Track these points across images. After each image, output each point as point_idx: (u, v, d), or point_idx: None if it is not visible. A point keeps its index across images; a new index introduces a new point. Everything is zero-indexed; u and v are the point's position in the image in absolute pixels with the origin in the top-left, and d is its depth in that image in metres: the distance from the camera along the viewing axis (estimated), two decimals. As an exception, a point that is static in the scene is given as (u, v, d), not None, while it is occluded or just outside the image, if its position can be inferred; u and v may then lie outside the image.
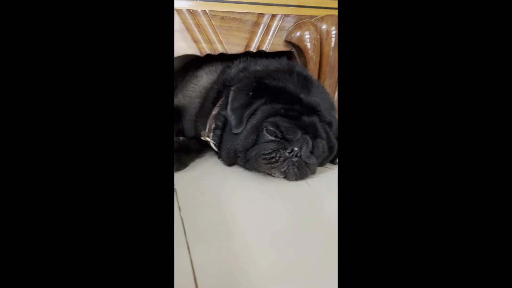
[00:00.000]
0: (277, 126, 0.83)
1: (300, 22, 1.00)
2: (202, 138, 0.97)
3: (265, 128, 0.84)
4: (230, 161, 0.94)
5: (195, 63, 1.17)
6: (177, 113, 1.07)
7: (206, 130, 0.97)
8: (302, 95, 0.87)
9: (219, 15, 0.90)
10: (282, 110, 0.83)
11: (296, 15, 0.99)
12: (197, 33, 0.89)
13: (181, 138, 0.97)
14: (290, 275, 0.56)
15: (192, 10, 0.87)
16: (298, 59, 1.06)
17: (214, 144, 0.95)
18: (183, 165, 0.93)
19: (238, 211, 0.74)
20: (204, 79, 1.07)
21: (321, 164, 0.97)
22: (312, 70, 1.03)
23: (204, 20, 0.89)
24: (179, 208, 0.75)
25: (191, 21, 0.87)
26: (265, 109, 0.84)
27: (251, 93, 0.85)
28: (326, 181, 0.90)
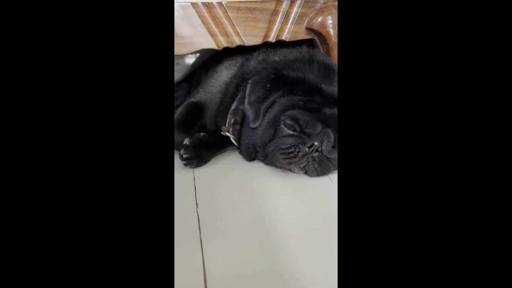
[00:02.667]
0: (295, 120, 0.78)
1: (322, 7, 0.94)
2: (222, 133, 0.96)
3: (283, 122, 0.80)
4: (250, 156, 0.92)
5: (216, 57, 1.16)
6: (199, 109, 1.07)
7: (226, 125, 0.96)
8: (323, 85, 0.81)
9: (235, 6, 0.88)
10: (301, 102, 0.79)
11: (317, -1, 0.93)
12: (213, 26, 0.88)
13: (202, 134, 0.97)
14: (303, 275, 0.53)
15: (207, 3, 0.85)
16: (320, 47, 1.00)
17: (234, 139, 0.94)
18: (204, 161, 0.93)
19: (255, 209, 0.72)
20: (224, 73, 1.05)
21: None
22: (336, 58, 0.96)
23: (220, 12, 0.87)
24: (197, 204, 0.75)
25: (206, 14, 0.86)
26: (283, 101, 0.80)
27: (268, 86, 0.82)
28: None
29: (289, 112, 0.79)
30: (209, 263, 0.57)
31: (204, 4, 0.85)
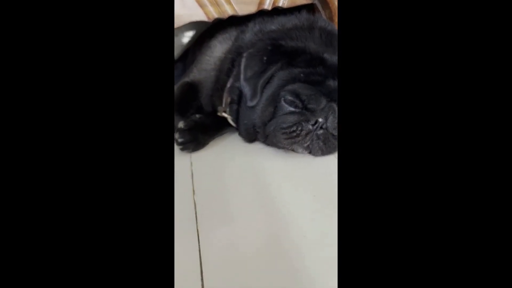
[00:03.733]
0: (296, 95, 0.71)
1: (324, -35, 0.83)
2: (218, 114, 0.89)
3: (283, 98, 0.73)
4: (249, 138, 0.86)
5: (210, 32, 1.07)
6: (194, 89, 1.00)
7: (223, 105, 0.89)
8: (326, 55, 0.73)
9: (224, -30, 0.78)
10: (302, 75, 0.71)
11: (317, -44, 0.82)
12: (202, -5, 0.79)
13: (197, 115, 0.90)
14: (306, 261, 0.49)
15: (192, -32, 0.76)
16: (322, 12, 0.90)
17: (232, 120, 0.87)
18: (201, 145, 0.87)
19: (256, 194, 0.67)
20: (218, 48, 0.97)
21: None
22: (340, 23, 0.86)
23: (207, -22, 0.78)
24: (193, 191, 0.70)
25: (192, -18, 0.77)
26: (282, 75, 0.73)
27: (265, 58, 0.74)
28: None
29: (289, 87, 0.72)
30: (206, 252, 0.53)
31: (189, -31, 0.76)
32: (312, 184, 0.70)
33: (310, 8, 0.91)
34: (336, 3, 0.85)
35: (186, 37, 1.20)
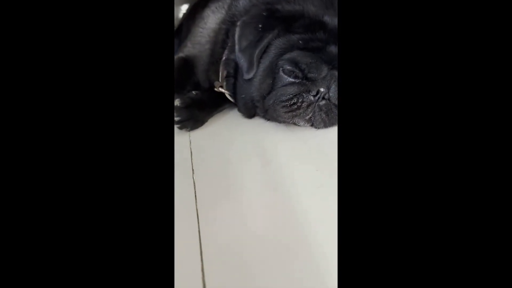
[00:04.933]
0: (295, 64, 0.66)
1: None
2: (215, 89, 0.85)
3: (281, 68, 0.68)
4: (249, 113, 0.82)
5: (202, 2, 1.00)
6: (188, 64, 0.95)
7: (219, 80, 0.85)
8: (326, 18, 0.67)
9: None
10: (301, 41, 0.66)
11: None
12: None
13: (194, 92, 0.87)
14: (309, 239, 0.48)
15: None
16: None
17: (229, 95, 0.83)
18: (200, 122, 0.84)
19: (257, 172, 0.64)
20: (211, 19, 0.91)
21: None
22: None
23: None
24: (193, 170, 0.68)
25: None
26: (279, 43, 0.68)
27: (260, 26, 0.68)
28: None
29: (287, 56, 0.67)
30: (205, 233, 0.51)
31: None
32: (314, 158, 0.67)
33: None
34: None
35: (181, 11, 1.14)
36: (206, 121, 0.86)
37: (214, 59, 0.87)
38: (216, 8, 0.91)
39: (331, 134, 0.73)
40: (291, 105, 0.69)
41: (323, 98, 0.69)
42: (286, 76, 0.69)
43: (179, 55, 0.97)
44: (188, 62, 0.96)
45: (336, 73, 0.67)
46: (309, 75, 0.67)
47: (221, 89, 0.84)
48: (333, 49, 0.67)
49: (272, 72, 0.69)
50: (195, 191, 0.62)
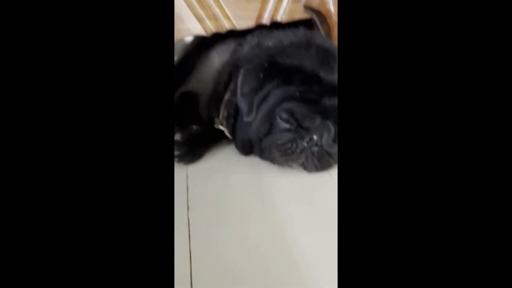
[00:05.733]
0: (291, 113, 0.72)
1: (323, -19, 0.83)
2: (215, 126, 0.90)
3: (278, 116, 0.73)
4: (245, 151, 0.86)
5: (209, 42, 1.07)
6: (192, 99, 1.01)
7: (220, 118, 0.90)
8: (322, 73, 0.73)
9: (222, -14, 0.78)
10: (297, 93, 0.72)
11: (316, -28, 0.82)
12: (200, 9, 0.79)
13: (194, 126, 0.91)
14: (289, 276, 0.50)
15: (191, -17, 0.76)
16: (320, 28, 0.90)
17: (228, 133, 0.88)
18: (198, 156, 0.88)
19: (251, 211, 0.67)
20: (216, 60, 0.97)
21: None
22: (337, 38, 0.87)
23: (205, -7, 0.78)
24: (188, 207, 0.71)
25: (191, -3, 0.77)
26: (278, 93, 0.73)
27: (261, 75, 0.74)
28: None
29: (284, 105, 0.73)
30: (197, 273, 0.53)
31: (187, -16, 0.76)
32: (308, 198, 0.71)
33: (308, 23, 0.91)
34: (334, 18, 0.85)
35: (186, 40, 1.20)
36: (204, 155, 0.90)
37: (215, 97, 0.92)
38: (222, 50, 0.97)
39: (322, 179, 0.77)
40: (285, 150, 0.74)
41: (316, 145, 0.74)
42: (282, 123, 0.74)
43: (182, 89, 1.02)
44: (191, 97, 1.01)
45: (328, 123, 0.73)
46: (303, 124, 0.72)
47: (220, 127, 0.88)
48: (327, 101, 0.73)
49: (270, 118, 0.74)
50: (189, 230, 0.64)
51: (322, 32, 0.90)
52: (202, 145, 0.90)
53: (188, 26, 0.81)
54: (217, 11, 0.81)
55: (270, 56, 0.76)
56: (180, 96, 1.02)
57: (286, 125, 0.73)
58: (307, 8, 0.86)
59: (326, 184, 0.75)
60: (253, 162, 0.86)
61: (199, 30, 0.82)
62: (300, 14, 0.87)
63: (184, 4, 0.78)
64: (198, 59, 1.11)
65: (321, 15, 0.86)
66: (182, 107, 0.99)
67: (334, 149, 0.75)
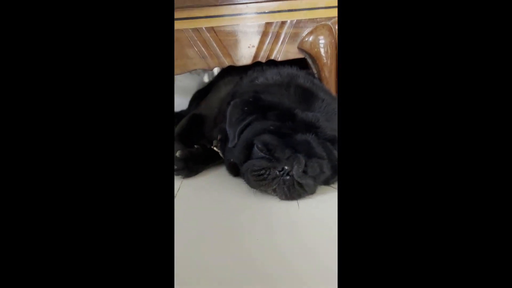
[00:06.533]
0: (264, 144, 0.80)
1: (316, 26, 0.92)
2: (212, 147, 1.02)
3: (256, 145, 0.83)
4: (232, 173, 0.97)
5: (221, 74, 1.22)
6: (200, 121, 1.15)
7: (216, 140, 1.02)
8: (297, 111, 0.81)
9: (224, 30, 0.92)
10: (272, 127, 0.80)
11: (308, 19, 0.91)
12: (203, 48, 0.94)
13: (195, 146, 1.05)
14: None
15: (198, 28, 0.91)
16: (312, 66, 0.98)
17: (221, 154, 0.99)
18: (193, 172, 1.01)
19: (228, 230, 0.70)
20: (222, 90, 1.11)
21: (326, 183, 0.89)
22: (327, 78, 0.93)
23: (209, 36, 0.92)
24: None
25: (196, 38, 0.93)
26: (256, 125, 0.83)
27: (246, 109, 0.85)
28: (320, 203, 0.82)
29: (261, 136, 0.82)
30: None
31: (194, 29, 0.92)
32: (293, 223, 0.73)
33: (302, 61, 0.99)
34: (324, 60, 0.92)
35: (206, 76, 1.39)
36: (200, 171, 1.03)
37: (216, 122, 1.05)
38: (228, 81, 1.11)
39: (285, 205, 0.82)
40: (259, 175, 0.82)
41: (288, 174, 0.81)
42: (258, 151, 0.83)
43: (194, 112, 1.18)
44: (200, 119, 1.16)
45: (299, 156, 0.79)
46: (275, 154, 0.80)
47: (215, 148, 1.01)
48: (299, 137, 0.80)
49: (249, 146, 0.84)
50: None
51: (314, 70, 0.98)
52: (199, 162, 1.03)
53: (194, 61, 0.96)
54: (218, 51, 0.94)
55: (256, 92, 0.86)
56: (191, 117, 1.17)
57: (261, 154, 0.82)
58: (300, 49, 0.95)
59: (290, 213, 0.80)
60: (239, 182, 0.94)
61: (203, 65, 0.97)
62: (294, 54, 0.96)
63: (190, 43, 0.94)
64: (211, 88, 1.27)
65: (312, 56, 0.94)
66: (191, 127, 1.15)
67: (305, 180, 0.81)
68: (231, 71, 1.13)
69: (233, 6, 0.90)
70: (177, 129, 1.13)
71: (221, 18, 0.91)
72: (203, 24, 0.91)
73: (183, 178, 0.99)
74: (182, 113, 1.43)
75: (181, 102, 1.77)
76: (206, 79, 1.43)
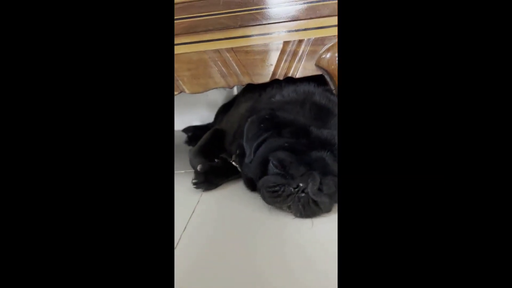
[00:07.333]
0: (280, 161, 0.82)
1: (333, 43, 0.93)
2: (231, 161, 1.06)
3: (271, 161, 0.84)
4: (249, 187, 0.99)
5: (244, 90, 1.26)
6: (222, 135, 1.20)
7: (235, 155, 1.05)
8: (312, 128, 0.81)
9: (243, 50, 0.96)
10: (286, 144, 0.82)
11: (326, 37, 0.92)
12: (223, 68, 0.98)
13: (216, 160, 1.09)
14: None
15: (218, 49, 0.96)
16: (330, 83, 0.98)
17: (239, 168, 1.02)
18: (213, 185, 1.04)
19: (242, 247, 0.72)
20: (243, 105, 1.15)
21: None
22: (345, 94, 0.93)
23: (228, 56, 0.97)
24: (185, 228, 0.85)
25: (217, 59, 0.97)
26: (271, 142, 0.85)
27: (262, 125, 0.87)
28: (335, 223, 0.81)
29: (276, 153, 0.83)
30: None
31: (215, 50, 0.97)
32: (308, 245, 0.72)
33: (322, 76, 1.00)
34: (341, 76, 0.92)
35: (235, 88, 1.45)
36: (220, 184, 1.06)
37: (236, 137, 1.09)
38: (248, 98, 1.15)
39: (299, 223, 0.82)
40: (273, 192, 0.83)
41: (303, 191, 0.81)
42: (273, 168, 0.84)
43: (216, 127, 1.23)
44: (221, 134, 1.20)
45: (314, 173, 0.80)
46: (290, 171, 0.81)
47: (234, 163, 1.04)
48: (314, 154, 0.80)
49: (264, 162, 0.86)
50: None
51: (332, 87, 0.98)
52: (219, 176, 1.06)
53: (216, 79, 1.01)
54: (237, 70, 0.98)
55: (272, 110, 0.89)
56: (213, 132, 1.22)
57: (277, 170, 0.83)
58: (317, 66, 0.96)
59: (303, 232, 0.79)
60: (256, 197, 0.96)
61: (223, 84, 1.01)
62: (311, 71, 0.97)
63: (211, 63, 0.99)
64: (233, 103, 1.32)
65: (329, 73, 0.95)
66: (213, 141, 1.19)
67: (320, 198, 0.81)
68: (251, 88, 1.17)
69: (251, 28, 0.94)
70: (200, 142, 1.18)
71: (240, 39, 0.95)
72: (224, 45, 0.96)
73: (203, 191, 1.03)
74: (208, 126, 1.50)
75: (208, 115, 1.85)
76: (235, 91, 1.48)
